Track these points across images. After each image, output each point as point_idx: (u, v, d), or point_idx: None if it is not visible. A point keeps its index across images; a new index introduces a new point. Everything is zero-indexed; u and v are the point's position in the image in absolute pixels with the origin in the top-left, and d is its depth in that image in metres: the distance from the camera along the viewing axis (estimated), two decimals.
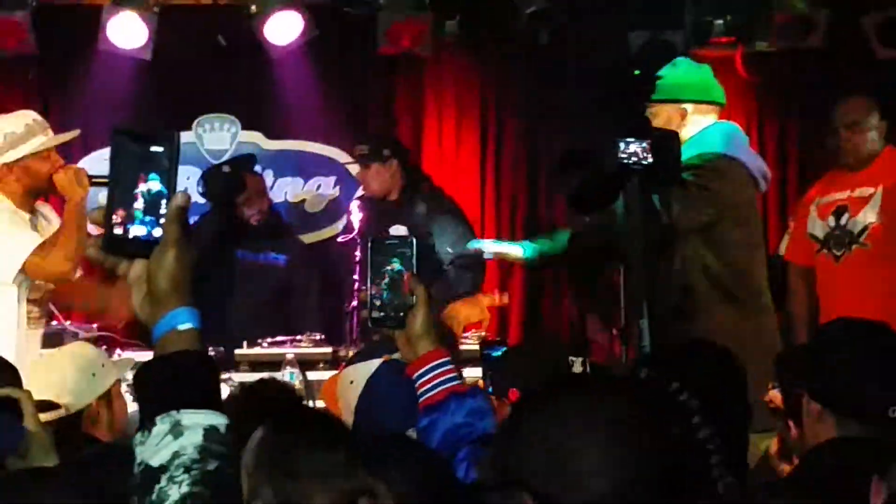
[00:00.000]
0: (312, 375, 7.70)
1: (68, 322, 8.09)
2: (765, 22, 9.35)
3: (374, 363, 4.28)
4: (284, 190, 10.19)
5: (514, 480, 2.57)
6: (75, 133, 7.34)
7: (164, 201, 2.27)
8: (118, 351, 7.87)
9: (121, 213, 2.26)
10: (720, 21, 9.44)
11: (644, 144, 4.44)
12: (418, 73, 10.17)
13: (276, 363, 7.73)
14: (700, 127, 6.49)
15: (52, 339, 7.34)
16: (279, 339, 8.13)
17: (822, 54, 9.39)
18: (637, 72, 4.86)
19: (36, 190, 6.79)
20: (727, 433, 3.20)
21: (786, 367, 4.31)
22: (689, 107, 6.46)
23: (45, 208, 7.01)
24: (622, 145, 4.50)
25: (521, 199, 10.28)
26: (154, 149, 2.28)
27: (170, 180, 2.28)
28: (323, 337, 8.20)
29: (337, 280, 8.68)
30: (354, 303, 7.99)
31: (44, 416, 3.68)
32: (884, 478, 2.64)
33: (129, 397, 6.89)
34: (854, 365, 3.69)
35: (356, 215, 8.26)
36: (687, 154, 6.33)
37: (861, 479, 2.69)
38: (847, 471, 2.94)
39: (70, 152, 9.53)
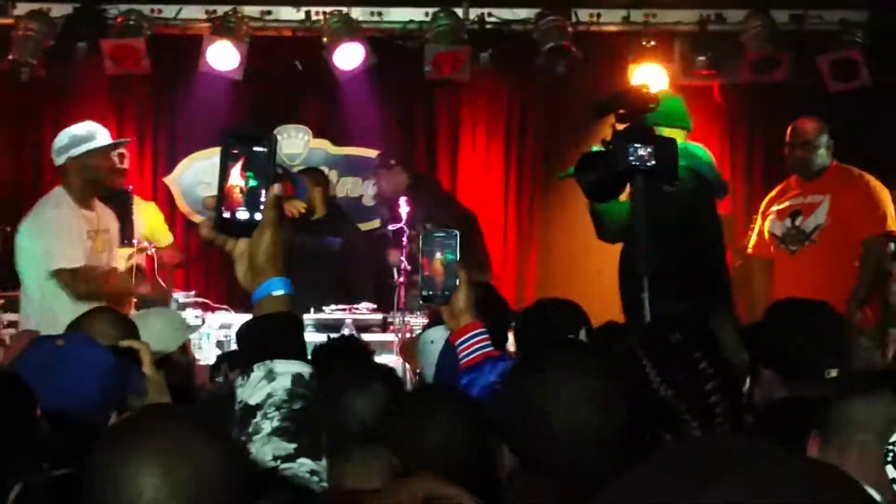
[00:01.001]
0: (366, 337, 7.82)
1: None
2: (739, 59, 9.36)
3: None
4: (346, 187, 10.24)
5: (501, 435, 2.64)
6: (127, 140, 7.53)
7: (262, 191, 2.29)
8: (209, 314, 7.98)
9: (228, 198, 2.29)
10: (702, 57, 9.46)
11: (649, 149, 4.47)
12: (456, 94, 10.16)
13: (337, 326, 7.81)
14: None
15: (158, 301, 7.46)
16: (340, 306, 8.21)
17: (785, 86, 9.40)
18: (645, 89, 4.91)
19: (93, 185, 6.88)
20: (732, 393, 3.23)
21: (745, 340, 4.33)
22: (660, 130, 6.50)
23: (103, 212, 7.08)
24: (630, 149, 4.53)
25: (537, 199, 10.31)
26: (256, 148, 2.30)
27: (268, 173, 2.30)
28: (375, 306, 8.27)
29: (387, 260, 8.74)
30: (401, 279, 8.05)
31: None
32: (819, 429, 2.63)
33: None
34: (796, 335, 3.73)
35: (404, 209, 8.33)
36: None
37: (803, 431, 2.66)
38: (792, 424, 2.96)
39: (174, 152, 9.72)
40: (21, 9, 8.98)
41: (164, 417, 2.05)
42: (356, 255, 8.83)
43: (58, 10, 9.03)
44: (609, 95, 4.85)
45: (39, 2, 9.00)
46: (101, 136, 6.91)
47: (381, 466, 3.30)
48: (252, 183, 2.29)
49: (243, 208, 2.29)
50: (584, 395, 2.46)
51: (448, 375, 4.20)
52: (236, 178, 2.29)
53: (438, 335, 4.57)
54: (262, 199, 2.29)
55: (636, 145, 4.51)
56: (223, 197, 2.29)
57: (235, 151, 2.29)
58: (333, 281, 8.48)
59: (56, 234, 6.73)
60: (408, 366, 6.93)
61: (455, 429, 3.12)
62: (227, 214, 2.29)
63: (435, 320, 4.92)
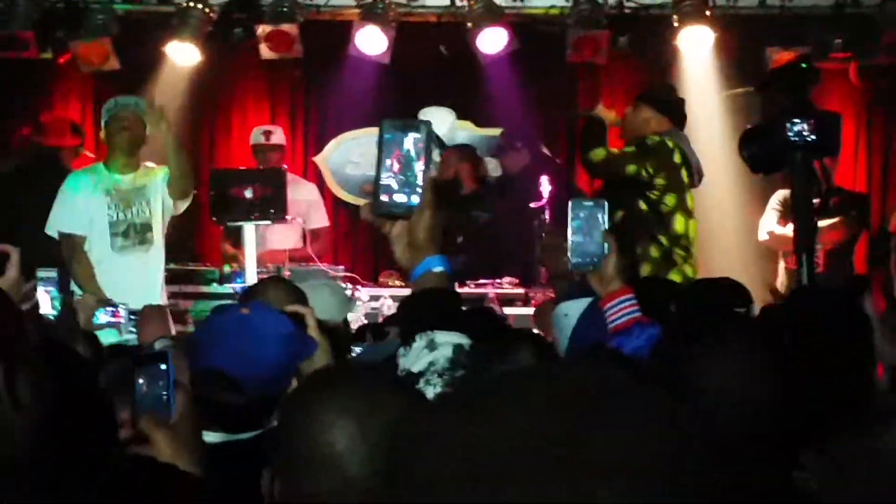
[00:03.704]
0: (508, 310, 7.64)
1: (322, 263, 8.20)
2: (876, 40, 9.01)
3: (585, 301, 4.17)
4: (490, 166, 10.11)
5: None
6: (130, 103, 7.37)
7: (419, 175, 2.28)
8: (359, 287, 7.91)
9: (386, 184, 2.29)
10: (838, 39, 9.11)
11: (809, 124, 4.22)
12: (596, 77, 10.05)
13: (480, 299, 7.66)
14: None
15: (313, 275, 7.40)
16: (483, 280, 8.03)
17: None
18: (804, 64, 4.63)
19: (113, 148, 7.22)
20: None
21: None
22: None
23: (144, 172, 7.35)
24: (789, 125, 4.29)
25: None
26: (412, 134, 2.28)
27: (425, 158, 2.29)
28: (518, 280, 8.08)
29: (531, 237, 8.54)
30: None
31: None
32: None
33: None
34: None
35: (546, 187, 8.11)
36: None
37: None
38: None
39: (324, 133, 9.64)
40: None
41: (353, 372, 2.14)
42: (504, 232, 8.65)
43: None
44: (771, 71, 4.63)
45: None
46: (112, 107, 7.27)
47: None
48: (408, 168, 2.29)
49: (401, 192, 2.29)
50: (736, 367, 2.36)
51: (584, 346, 4.03)
52: (394, 164, 2.29)
53: (573, 309, 4.43)
54: (419, 182, 2.29)
55: (795, 120, 4.28)
56: (381, 182, 2.30)
57: (392, 138, 2.30)
58: (481, 256, 8.32)
59: (59, 201, 7.24)
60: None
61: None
62: (385, 198, 2.30)
63: (566, 294, 4.75)
